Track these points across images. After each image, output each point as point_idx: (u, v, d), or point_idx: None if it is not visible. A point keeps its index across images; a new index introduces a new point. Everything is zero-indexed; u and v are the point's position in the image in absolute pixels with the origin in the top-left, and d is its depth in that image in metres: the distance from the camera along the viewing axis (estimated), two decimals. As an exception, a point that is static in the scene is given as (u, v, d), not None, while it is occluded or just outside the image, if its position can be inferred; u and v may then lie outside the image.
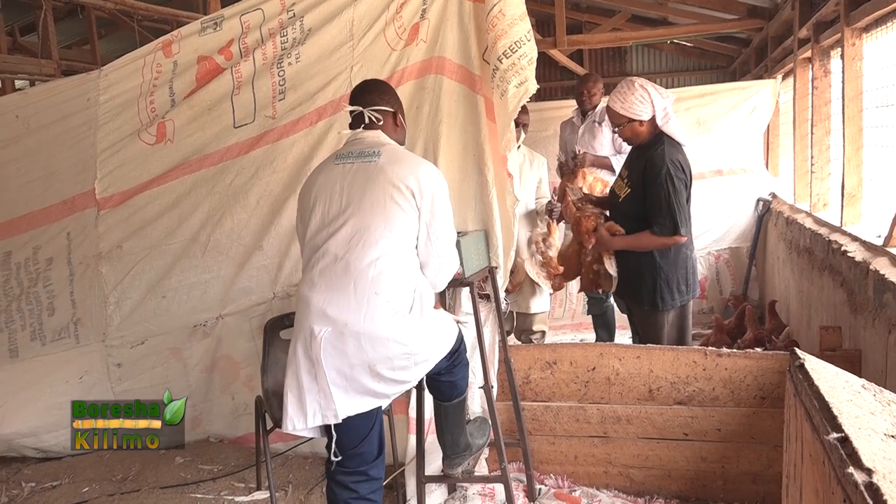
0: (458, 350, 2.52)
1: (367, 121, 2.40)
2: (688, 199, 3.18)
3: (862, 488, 1.01)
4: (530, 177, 4.15)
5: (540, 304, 4.13)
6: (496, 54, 2.89)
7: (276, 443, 3.33)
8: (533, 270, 3.97)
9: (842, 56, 3.83)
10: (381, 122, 2.41)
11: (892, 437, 1.05)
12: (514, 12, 2.89)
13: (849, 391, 1.24)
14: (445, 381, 2.54)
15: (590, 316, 4.86)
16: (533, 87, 2.90)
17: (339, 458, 2.29)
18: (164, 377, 3.53)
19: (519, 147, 4.16)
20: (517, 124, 4.13)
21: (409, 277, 2.28)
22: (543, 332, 4.27)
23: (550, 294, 4.21)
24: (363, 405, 2.25)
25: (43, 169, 3.49)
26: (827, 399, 1.15)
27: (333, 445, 2.27)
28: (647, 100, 3.09)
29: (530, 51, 2.91)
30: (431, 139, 3.11)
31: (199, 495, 3.10)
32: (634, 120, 3.12)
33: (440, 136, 3.09)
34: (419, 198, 2.26)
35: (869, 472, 0.93)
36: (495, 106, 3.00)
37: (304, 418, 2.21)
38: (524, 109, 4.23)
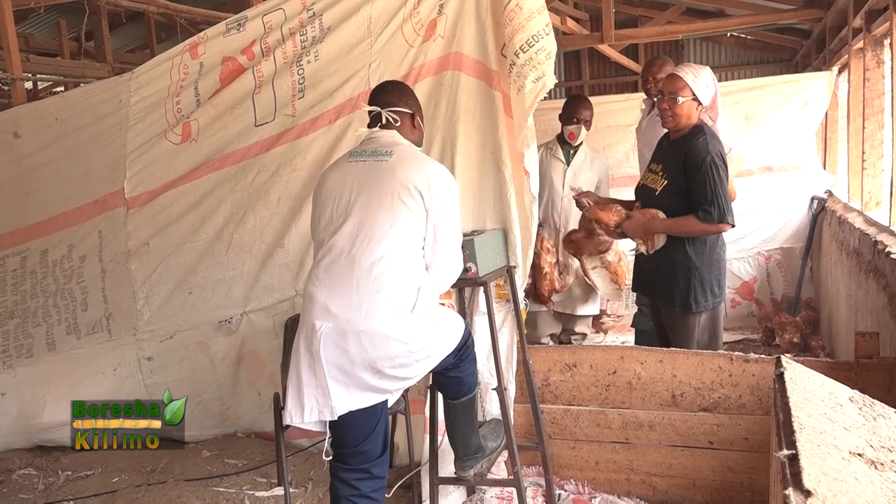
0: (465, 345, 2.49)
1: (384, 121, 2.42)
2: None
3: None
4: (589, 176, 4.07)
5: (588, 308, 4.06)
6: (513, 49, 2.82)
7: (300, 438, 3.35)
8: (599, 280, 3.87)
9: (891, 45, 3.60)
10: (398, 123, 2.42)
11: (858, 455, 0.95)
12: (531, 6, 2.82)
13: (828, 404, 1.14)
14: (452, 376, 2.52)
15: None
16: (551, 81, 2.82)
17: (333, 455, 2.29)
18: (193, 371, 3.60)
19: (581, 144, 4.10)
20: (578, 121, 4.03)
21: (413, 276, 2.28)
22: (585, 335, 4.19)
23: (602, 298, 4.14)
24: (364, 400, 2.24)
25: (78, 169, 3.61)
26: (793, 413, 1.06)
27: (327, 443, 2.26)
28: (712, 88, 3.04)
29: (548, 45, 2.83)
30: (449, 137, 3.06)
31: (221, 489, 3.15)
32: (697, 99, 3.01)
33: (458, 133, 3.04)
34: (428, 199, 2.26)
35: (808, 493, 0.84)
36: (512, 102, 2.93)
37: (301, 412, 2.22)
38: (587, 105, 4.11)
